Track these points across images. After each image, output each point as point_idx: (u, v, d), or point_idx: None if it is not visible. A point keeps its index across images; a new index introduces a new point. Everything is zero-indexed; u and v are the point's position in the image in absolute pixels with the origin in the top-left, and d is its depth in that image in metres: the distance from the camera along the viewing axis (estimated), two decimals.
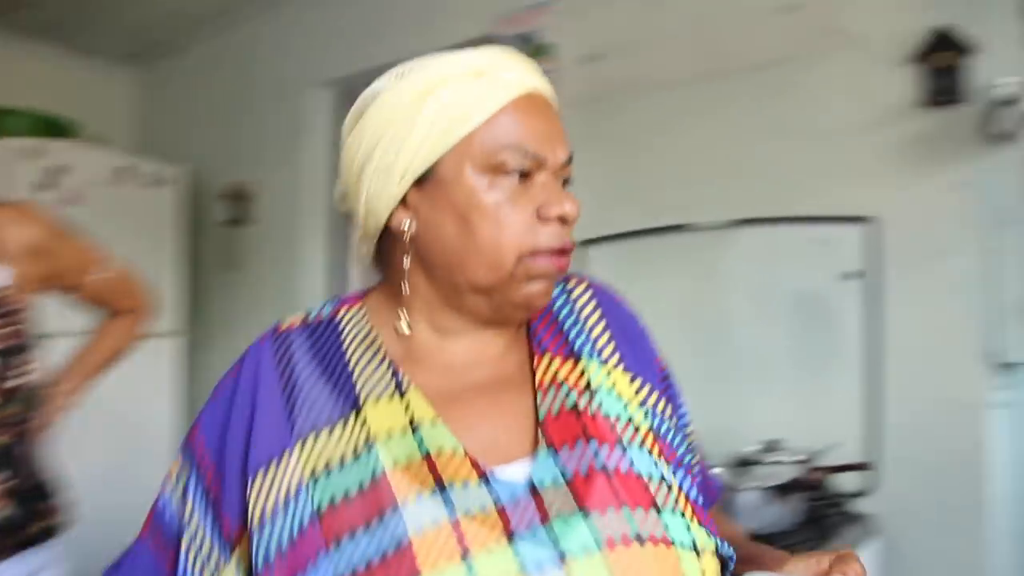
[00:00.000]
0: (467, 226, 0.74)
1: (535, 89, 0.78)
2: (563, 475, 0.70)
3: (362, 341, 0.79)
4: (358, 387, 0.75)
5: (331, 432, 0.72)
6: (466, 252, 0.75)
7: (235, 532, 0.73)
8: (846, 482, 1.79)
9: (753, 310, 2.05)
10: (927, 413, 1.79)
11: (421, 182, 0.76)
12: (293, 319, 0.83)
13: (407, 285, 0.78)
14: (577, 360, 0.80)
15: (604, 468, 0.71)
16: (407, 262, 0.77)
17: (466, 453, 0.71)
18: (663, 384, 0.84)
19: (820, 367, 1.95)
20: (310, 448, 0.72)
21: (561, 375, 0.78)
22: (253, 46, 3.39)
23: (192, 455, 0.79)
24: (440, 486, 0.68)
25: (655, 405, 0.80)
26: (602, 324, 0.84)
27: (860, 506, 1.79)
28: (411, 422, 0.72)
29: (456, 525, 0.66)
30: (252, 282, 3.33)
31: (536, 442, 0.73)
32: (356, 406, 0.74)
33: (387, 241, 0.80)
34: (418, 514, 0.66)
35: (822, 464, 1.76)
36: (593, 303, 0.86)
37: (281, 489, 0.71)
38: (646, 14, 2.27)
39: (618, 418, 0.76)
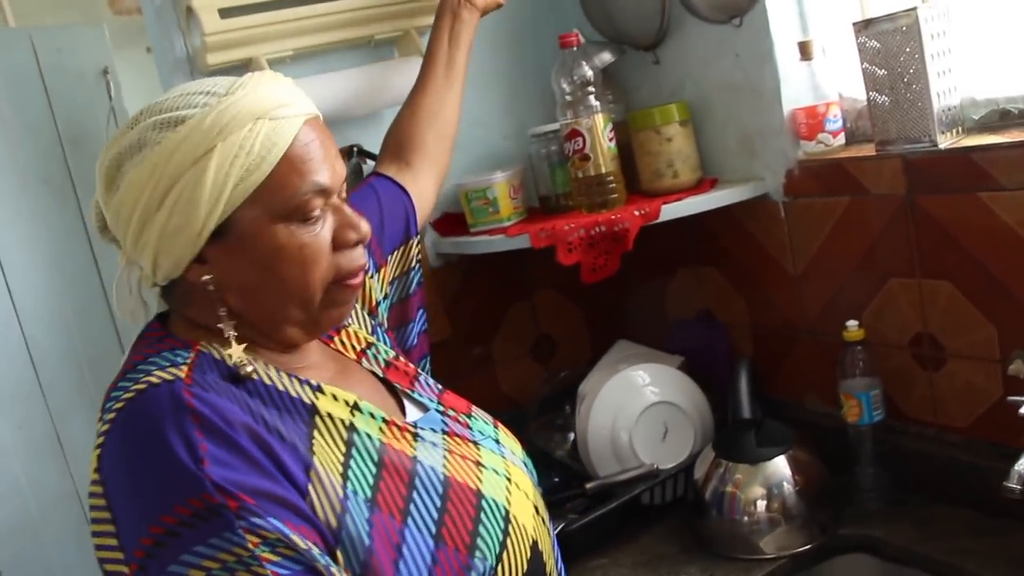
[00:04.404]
0: (273, 273, 0.75)
1: (309, 114, 0.77)
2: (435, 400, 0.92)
3: (263, 368, 0.78)
4: (306, 401, 0.77)
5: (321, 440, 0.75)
6: (276, 296, 0.76)
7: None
8: None
9: None
10: None
11: (216, 236, 0.73)
12: (175, 375, 0.72)
13: (228, 327, 0.76)
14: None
15: (431, 385, 0.94)
16: (223, 312, 0.76)
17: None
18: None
19: None
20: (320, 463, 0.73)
21: (361, 343, 0.93)
22: None
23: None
24: (413, 434, 0.82)
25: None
26: None
27: None
28: (352, 405, 0.79)
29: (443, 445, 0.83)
30: None
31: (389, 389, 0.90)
32: (313, 419, 0.76)
33: (181, 284, 0.77)
34: (427, 456, 0.80)
35: None
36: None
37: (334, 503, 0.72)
38: None
39: (397, 356, 0.96)
